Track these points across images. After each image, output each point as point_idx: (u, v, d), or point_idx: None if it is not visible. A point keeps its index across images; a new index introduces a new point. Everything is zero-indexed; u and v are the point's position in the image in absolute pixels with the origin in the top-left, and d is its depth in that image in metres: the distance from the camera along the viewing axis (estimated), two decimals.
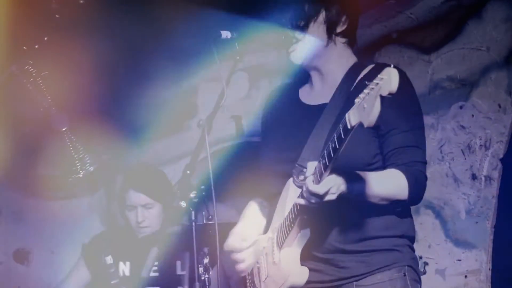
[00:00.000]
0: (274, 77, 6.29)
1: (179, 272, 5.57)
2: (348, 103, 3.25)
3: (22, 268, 6.65)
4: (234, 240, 3.99)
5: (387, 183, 3.63)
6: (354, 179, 3.52)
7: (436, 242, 5.67)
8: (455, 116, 5.62)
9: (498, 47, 5.46)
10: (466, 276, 5.55)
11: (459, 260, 5.59)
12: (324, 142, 3.58)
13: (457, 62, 5.62)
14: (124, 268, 5.62)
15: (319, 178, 3.39)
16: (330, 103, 3.77)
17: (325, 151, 3.36)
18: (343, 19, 3.85)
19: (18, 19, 5.85)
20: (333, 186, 3.42)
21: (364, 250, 3.72)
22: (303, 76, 4.01)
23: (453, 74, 5.64)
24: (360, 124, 3.13)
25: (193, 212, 3.96)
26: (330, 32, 3.83)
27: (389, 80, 3.01)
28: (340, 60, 3.87)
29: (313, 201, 3.44)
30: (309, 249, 3.71)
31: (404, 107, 3.68)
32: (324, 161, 3.37)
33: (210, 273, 4.71)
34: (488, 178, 5.49)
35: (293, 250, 3.70)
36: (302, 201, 3.50)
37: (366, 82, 3.11)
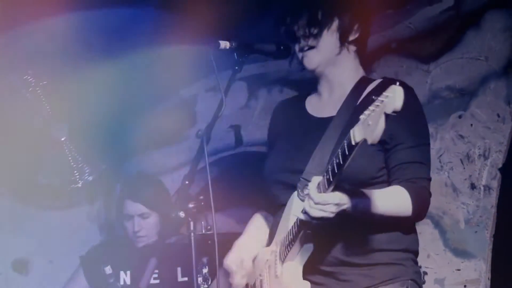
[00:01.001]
0: (272, 86, 6.30)
1: (180, 279, 5.57)
2: (354, 118, 3.25)
3: (20, 277, 6.64)
4: (233, 260, 3.98)
5: (390, 201, 3.63)
6: (358, 197, 3.52)
7: (435, 252, 5.66)
8: (454, 125, 5.62)
9: (497, 57, 5.46)
10: (465, 286, 5.54)
11: (458, 270, 5.58)
12: (329, 156, 3.58)
13: (456, 72, 5.62)
14: (125, 278, 5.61)
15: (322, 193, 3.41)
16: (337, 116, 3.76)
17: (329, 166, 3.37)
18: (356, 27, 3.85)
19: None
20: (333, 204, 3.42)
21: (367, 263, 3.71)
22: (310, 87, 4.01)
23: (452, 84, 5.64)
24: (364, 141, 3.13)
25: (191, 223, 3.96)
26: (343, 40, 3.83)
27: (393, 98, 3.01)
28: (349, 71, 3.88)
29: (312, 213, 3.43)
30: (311, 263, 3.70)
31: (411, 122, 3.69)
32: (328, 177, 3.38)
33: (210, 283, 4.70)
34: (487, 188, 5.49)
35: (295, 264, 3.69)
36: (303, 217, 3.51)
37: (373, 97, 3.11)
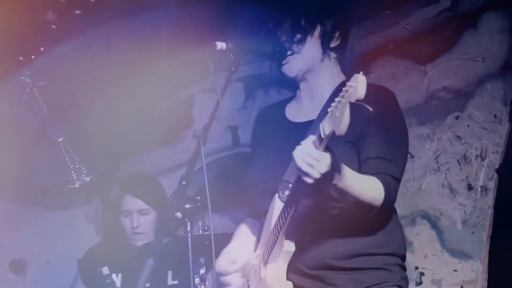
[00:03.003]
0: (269, 87, 6.30)
1: (170, 282, 5.57)
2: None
3: (18, 278, 6.64)
4: (222, 261, 3.97)
5: (366, 184, 3.60)
6: (340, 167, 3.45)
7: (432, 253, 5.67)
8: (451, 126, 5.63)
9: (494, 58, 5.46)
10: (462, 287, 5.54)
11: (455, 271, 5.58)
12: None
13: (453, 73, 5.63)
14: (116, 280, 5.61)
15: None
16: (317, 120, 3.77)
17: None
18: (337, 34, 3.88)
19: (15, 29, 5.86)
20: (325, 165, 3.34)
21: (354, 267, 3.72)
22: (290, 93, 4.03)
23: (449, 85, 5.64)
24: (333, 133, 3.14)
25: (188, 223, 3.96)
26: (325, 46, 3.86)
27: (356, 87, 3.04)
28: (330, 76, 3.90)
29: (300, 164, 3.34)
30: (296, 265, 3.72)
31: (382, 121, 3.68)
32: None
33: (207, 283, 4.71)
34: (484, 189, 5.49)
35: (278, 266, 3.70)
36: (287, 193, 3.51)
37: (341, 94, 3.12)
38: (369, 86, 3.15)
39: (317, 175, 3.36)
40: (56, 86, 6.26)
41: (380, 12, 5.89)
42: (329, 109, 3.17)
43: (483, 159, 5.50)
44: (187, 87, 6.74)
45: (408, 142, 3.85)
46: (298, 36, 3.82)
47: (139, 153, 6.91)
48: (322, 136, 3.20)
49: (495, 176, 5.47)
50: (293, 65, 3.85)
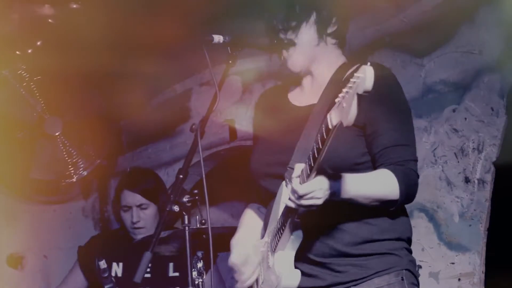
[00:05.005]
0: (267, 80, 6.30)
1: (171, 274, 5.58)
2: (334, 103, 3.26)
3: (15, 273, 6.64)
4: (237, 257, 3.93)
5: (376, 184, 3.62)
6: (341, 182, 3.51)
7: (430, 246, 5.67)
8: (448, 119, 5.62)
9: (491, 51, 5.46)
10: (459, 279, 5.55)
11: (453, 263, 5.58)
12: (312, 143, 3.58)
13: (450, 66, 5.62)
14: (117, 269, 5.62)
15: (305, 180, 3.41)
16: (318, 103, 3.78)
17: (310, 153, 3.37)
18: (333, 20, 3.87)
19: (11, 23, 5.86)
20: (318, 189, 3.42)
21: (361, 254, 3.71)
22: (292, 78, 4.02)
23: (446, 78, 5.64)
24: (341, 124, 3.14)
25: (186, 217, 3.96)
26: (321, 32, 3.85)
27: (364, 78, 3.03)
28: (329, 60, 3.89)
29: (300, 203, 3.44)
30: (304, 252, 3.71)
31: (391, 105, 3.69)
32: (309, 163, 3.38)
33: (204, 277, 4.71)
34: (481, 181, 5.49)
35: (286, 253, 3.68)
36: (290, 204, 3.50)
37: (351, 79, 3.12)
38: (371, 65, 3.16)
39: (320, 202, 3.43)
40: (53, 80, 6.26)
41: (377, 5, 5.88)
42: (336, 100, 3.17)
43: (480, 152, 5.50)
44: (184, 80, 6.74)
45: (412, 118, 3.83)
46: (293, 23, 3.81)
47: (137, 147, 6.91)
48: (330, 126, 3.20)
49: (492, 168, 5.47)
50: (294, 60, 3.85)
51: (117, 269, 5.64)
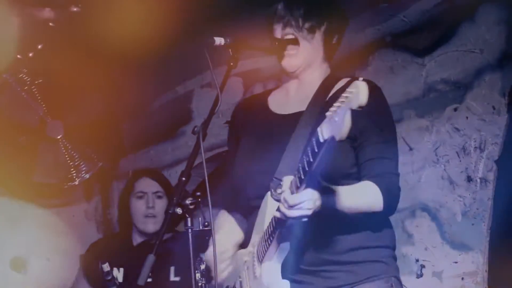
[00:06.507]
0: (268, 81, 6.30)
1: (172, 278, 5.57)
2: (322, 115, 3.28)
3: (18, 276, 6.64)
4: (211, 252, 3.95)
5: (362, 196, 3.68)
6: (329, 194, 3.55)
7: (433, 245, 5.67)
8: (450, 118, 5.63)
9: (492, 49, 5.46)
10: (462, 278, 5.55)
11: (456, 263, 5.58)
12: (300, 154, 3.55)
13: (451, 65, 5.62)
14: (118, 275, 5.62)
15: (295, 192, 3.42)
16: (306, 113, 3.79)
17: (299, 165, 3.38)
18: (337, 36, 3.93)
19: (12, 27, 5.86)
20: (308, 200, 3.43)
21: (352, 261, 3.74)
22: (269, 84, 4.04)
23: (447, 77, 5.64)
24: (333, 138, 3.15)
25: (189, 219, 3.97)
26: (326, 42, 3.89)
27: (357, 94, 3.03)
28: (320, 69, 3.92)
29: (289, 213, 3.45)
30: (293, 262, 3.72)
31: (378, 119, 3.74)
32: (299, 175, 3.39)
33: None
34: (484, 180, 5.49)
35: (273, 264, 3.70)
36: (279, 215, 3.52)
37: (342, 95, 3.14)
38: (354, 80, 3.21)
39: (309, 213, 3.45)
40: (55, 83, 6.26)
41: (378, 5, 5.89)
42: (327, 114, 3.17)
43: (482, 150, 5.50)
44: (185, 82, 6.74)
45: (396, 133, 3.90)
46: (307, 25, 3.83)
47: (139, 149, 6.91)
48: (321, 140, 3.20)
49: (495, 167, 5.47)
50: (294, 60, 3.86)
51: (118, 274, 5.63)
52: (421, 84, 5.73)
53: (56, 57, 6.05)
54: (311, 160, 3.29)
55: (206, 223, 4.78)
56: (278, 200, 3.55)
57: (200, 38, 3.87)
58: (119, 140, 6.83)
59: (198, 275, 4.63)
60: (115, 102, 6.49)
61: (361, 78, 3.10)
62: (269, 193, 3.74)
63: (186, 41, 5.82)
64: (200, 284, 4.63)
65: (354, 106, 3.04)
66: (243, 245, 3.99)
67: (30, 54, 6.08)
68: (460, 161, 5.57)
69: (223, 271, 3.99)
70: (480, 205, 5.48)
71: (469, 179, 5.54)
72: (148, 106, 6.78)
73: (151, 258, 3.81)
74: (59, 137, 6.38)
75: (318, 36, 3.87)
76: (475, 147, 5.50)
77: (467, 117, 5.56)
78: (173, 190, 5.69)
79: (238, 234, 4.05)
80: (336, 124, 3.11)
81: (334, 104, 3.13)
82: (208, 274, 4.11)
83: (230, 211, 4.12)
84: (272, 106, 3.99)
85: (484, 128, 5.48)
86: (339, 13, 3.97)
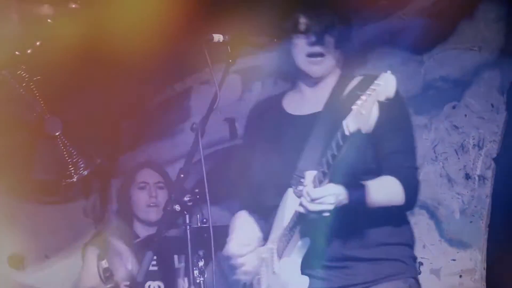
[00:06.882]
0: (266, 79, 6.30)
1: (177, 265, 5.59)
2: (342, 111, 3.28)
3: (17, 273, 6.63)
4: (234, 245, 3.95)
5: (384, 191, 3.67)
6: (353, 188, 3.55)
7: (431, 242, 5.68)
8: (448, 116, 5.63)
9: (490, 47, 5.47)
10: (460, 276, 5.56)
11: (454, 260, 5.59)
12: (321, 151, 3.58)
13: (450, 62, 5.63)
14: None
15: (318, 186, 3.44)
16: (324, 112, 3.78)
17: (323, 159, 3.40)
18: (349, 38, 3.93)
19: (11, 24, 5.85)
20: (331, 195, 3.45)
21: (373, 258, 3.74)
22: (287, 84, 4.03)
23: (446, 74, 5.65)
24: (359, 131, 3.16)
25: (187, 215, 3.97)
26: (343, 48, 3.89)
27: (385, 86, 3.08)
28: (333, 71, 3.90)
29: (311, 207, 3.46)
30: (314, 258, 3.71)
31: (394, 113, 3.70)
32: (323, 169, 3.41)
33: (205, 275, 4.71)
34: (482, 178, 5.50)
35: (293, 260, 3.70)
36: (301, 209, 3.52)
37: (358, 92, 3.18)
38: (372, 77, 3.22)
39: (331, 207, 3.46)
40: (53, 80, 6.25)
41: (377, 3, 5.88)
42: (353, 107, 3.19)
43: (480, 148, 5.51)
44: (184, 79, 6.73)
45: (413, 128, 3.89)
46: (330, 39, 3.82)
47: (137, 146, 6.91)
48: (347, 133, 3.23)
49: (493, 165, 5.48)
50: (320, 68, 3.86)
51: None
52: (419, 82, 5.74)
53: (54, 54, 6.04)
54: (336, 153, 3.32)
55: (204, 220, 4.79)
56: (299, 196, 3.56)
57: (198, 35, 3.87)
58: (117, 137, 6.81)
59: (196, 272, 4.63)
60: (114, 99, 6.47)
61: (389, 72, 3.14)
62: (289, 190, 3.74)
63: (185, 38, 5.81)
64: (198, 281, 4.63)
65: (382, 98, 3.09)
66: (262, 243, 3.98)
67: (29, 51, 6.07)
68: (459, 158, 5.58)
69: (245, 264, 3.95)
70: (478, 202, 5.49)
71: (468, 176, 5.54)
72: (147, 103, 6.77)
73: (149, 255, 3.82)
74: (57, 134, 6.37)
75: (342, 43, 3.86)
76: (474, 145, 5.50)
77: (465, 115, 5.57)
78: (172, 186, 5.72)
79: (257, 233, 4.02)
80: (363, 117, 3.14)
81: (361, 97, 3.15)
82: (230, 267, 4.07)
83: (249, 211, 4.10)
84: (287, 107, 3.99)
85: (482, 126, 5.49)
86: (347, 17, 3.96)
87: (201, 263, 4.80)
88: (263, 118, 4.05)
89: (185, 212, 3.93)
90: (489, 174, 5.48)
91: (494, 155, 5.48)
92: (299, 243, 3.66)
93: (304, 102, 3.93)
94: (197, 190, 4.02)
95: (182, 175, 3.89)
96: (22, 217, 6.59)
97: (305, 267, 3.70)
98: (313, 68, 3.85)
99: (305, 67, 3.85)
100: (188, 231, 3.96)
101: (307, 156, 3.70)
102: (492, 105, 5.46)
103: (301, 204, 3.51)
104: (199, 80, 6.64)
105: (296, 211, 3.60)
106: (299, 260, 3.69)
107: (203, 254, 4.85)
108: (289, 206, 3.71)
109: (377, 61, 5.86)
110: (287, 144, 3.83)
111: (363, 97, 3.13)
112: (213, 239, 3.81)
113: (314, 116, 3.81)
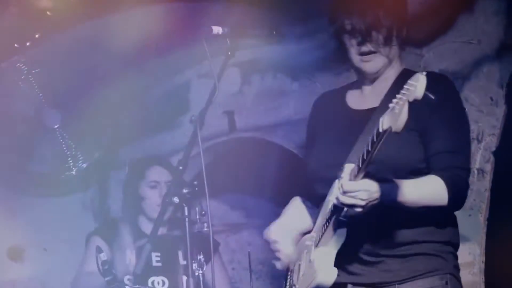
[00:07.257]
0: (266, 72, 6.29)
1: (182, 262, 5.59)
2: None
3: (15, 265, 6.64)
4: (276, 230, 3.97)
5: (425, 190, 3.65)
6: (388, 185, 3.55)
7: None
8: None
9: (490, 40, 5.46)
10: (459, 269, 5.55)
11: None
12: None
13: (449, 56, 5.62)
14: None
15: (352, 180, 3.46)
16: (379, 108, 3.74)
17: (360, 154, 3.41)
18: (405, 29, 3.89)
19: (10, 16, 5.85)
20: (364, 191, 3.46)
21: (408, 254, 3.72)
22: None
23: (445, 68, 5.63)
24: (390, 128, 3.19)
25: (186, 208, 3.97)
26: (401, 47, 3.88)
27: (415, 86, 3.12)
28: (396, 65, 3.89)
29: (342, 200, 3.47)
30: (352, 251, 3.72)
31: (445, 112, 3.71)
32: (358, 163, 3.43)
33: (204, 268, 4.71)
34: (481, 171, 5.50)
35: (328, 250, 3.70)
36: (336, 202, 3.55)
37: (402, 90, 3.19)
38: (430, 74, 3.23)
39: (362, 203, 3.46)
40: (52, 73, 6.25)
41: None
42: (390, 104, 3.21)
43: (479, 141, 5.50)
44: (183, 72, 6.73)
45: (469, 128, 3.90)
46: (382, 37, 3.79)
47: (136, 139, 6.90)
48: (380, 130, 3.25)
49: (492, 158, 5.48)
50: (377, 63, 3.84)
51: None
52: None
53: (53, 47, 6.04)
54: (370, 149, 3.33)
55: (203, 212, 4.78)
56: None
57: (198, 27, 3.87)
58: (116, 130, 6.81)
59: (195, 265, 4.62)
60: (113, 91, 6.47)
61: (424, 72, 3.15)
62: (336, 181, 3.72)
63: (184, 30, 5.81)
64: (197, 273, 4.63)
65: (411, 98, 3.12)
66: (310, 231, 3.97)
67: (28, 43, 6.07)
68: None
69: (281, 250, 3.97)
70: (477, 196, 5.49)
71: None
72: (146, 95, 6.77)
73: (147, 247, 3.82)
74: (56, 126, 6.37)
75: (394, 38, 3.83)
76: (473, 138, 5.50)
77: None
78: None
79: (306, 220, 4.01)
80: (394, 115, 3.17)
81: (397, 96, 3.18)
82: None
83: (303, 199, 4.10)
84: (350, 101, 3.99)
85: (481, 119, 5.48)
86: (401, 6, 3.93)
87: (200, 256, 4.80)
88: (327, 110, 4.05)
89: (184, 204, 3.94)
90: (488, 167, 5.48)
91: (493, 149, 5.47)
92: (336, 233, 3.66)
93: (365, 96, 3.93)
94: (195, 183, 4.02)
95: (181, 168, 3.90)
96: (21, 210, 6.60)
97: (340, 259, 3.69)
98: (367, 65, 3.83)
99: (360, 65, 3.85)
100: (187, 223, 3.96)
101: (356, 150, 3.68)
102: (492, 99, 5.45)
103: (336, 196, 3.53)
104: (198, 73, 6.63)
105: (333, 203, 3.62)
106: (335, 252, 3.68)
107: (202, 247, 4.84)
108: (332, 196, 3.71)
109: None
110: (343, 137, 3.83)
111: (399, 96, 3.17)
112: (212, 232, 3.82)
113: (371, 111, 3.78)
